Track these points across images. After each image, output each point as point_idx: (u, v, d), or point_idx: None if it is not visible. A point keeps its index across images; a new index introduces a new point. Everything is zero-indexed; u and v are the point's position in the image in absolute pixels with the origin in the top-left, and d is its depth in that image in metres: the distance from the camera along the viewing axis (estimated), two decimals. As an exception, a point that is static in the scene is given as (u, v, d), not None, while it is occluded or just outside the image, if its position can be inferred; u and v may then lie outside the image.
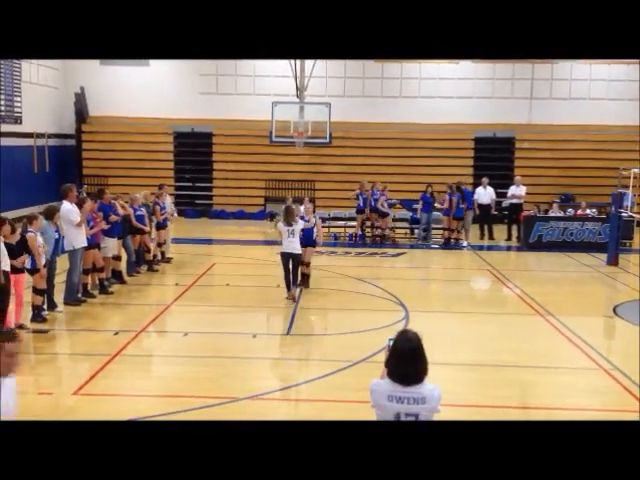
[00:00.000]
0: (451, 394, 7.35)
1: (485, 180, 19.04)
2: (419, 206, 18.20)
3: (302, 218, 11.85)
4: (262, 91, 22.65)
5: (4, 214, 11.49)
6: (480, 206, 18.64)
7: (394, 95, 23.27)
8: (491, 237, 18.84)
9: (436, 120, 22.78)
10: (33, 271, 9.57)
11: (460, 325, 10.43)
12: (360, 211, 18.27)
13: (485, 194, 18.88)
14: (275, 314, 11.05)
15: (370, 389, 3.70)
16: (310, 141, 20.56)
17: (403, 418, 3.56)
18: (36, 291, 9.77)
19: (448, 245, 17.76)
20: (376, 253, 16.85)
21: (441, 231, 18.22)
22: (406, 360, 3.59)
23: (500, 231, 18.98)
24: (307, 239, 11.99)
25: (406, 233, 19.27)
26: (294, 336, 9.81)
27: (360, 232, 18.40)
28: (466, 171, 22.58)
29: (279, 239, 11.93)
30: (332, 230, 19.11)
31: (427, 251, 17.52)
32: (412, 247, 17.93)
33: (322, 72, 21.80)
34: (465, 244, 17.84)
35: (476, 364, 8.43)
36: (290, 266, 11.38)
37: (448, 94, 23.02)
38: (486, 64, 22.86)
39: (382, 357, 7.63)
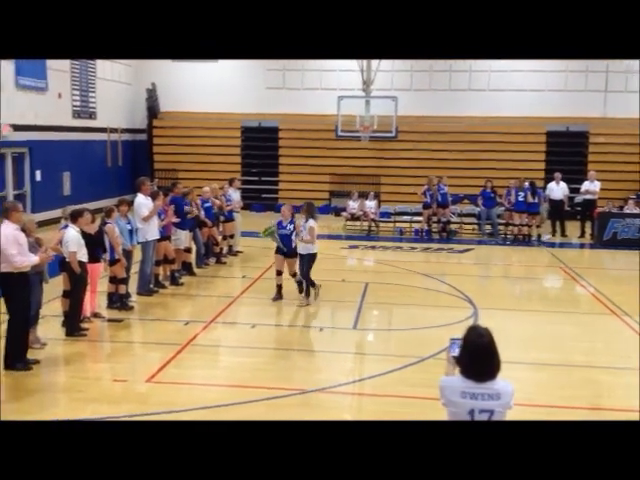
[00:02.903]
0: (521, 393, 7.18)
1: (558, 175, 18.52)
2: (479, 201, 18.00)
3: (279, 224, 10.87)
4: (328, 86, 22.67)
5: (79, 207, 11.87)
6: (552, 202, 18.15)
7: (462, 88, 22.88)
8: (564, 234, 18.31)
9: (506, 113, 22.27)
10: (113, 261, 9.89)
11: (531, 323, 10.18)
12: (427, 206, 18.09)
13: (558, 189, 18.36)
14: (341, 308, 11.06)
15: (440, 386, 3.65)
16: (376, 135, 20.46)
17: (477, 414, 3.52)
18: (119, 280, 10.10)
19: (518, 241, 17.37)
20: (443, 249, 16.64)
21: (510, 227, 17.85)
22: (480, 356, 3.56)
23: (573, 228, 18.42)
24: (280, 247, 10.85)
25: (474, 229, 18.94)
26: (360, 330, 9.80)
27: (426, 227, 18.21)
28: (537, 166, 22.02)
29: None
30: (397, 225, 19.00)
31: (495, 247, 17.18)
32: (480, 243, 17.61)
33: (389, 66, 21.63)
34: (546, 238, 17.44)
35: (547, 364, 8.23)
36: (304, 268, 10.70)
37: (519, 87, 22.45)
38: (559, 56, 22.14)
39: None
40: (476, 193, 18.83)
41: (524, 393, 7.11)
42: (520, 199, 17.39)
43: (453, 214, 18.72)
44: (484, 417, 3.53)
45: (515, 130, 22.23)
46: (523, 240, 17.47)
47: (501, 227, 18.22)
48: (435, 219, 18.34)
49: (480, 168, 21.47)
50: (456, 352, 3.73)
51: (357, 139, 20.69)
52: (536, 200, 17.46)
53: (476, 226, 18.87)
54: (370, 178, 22.61)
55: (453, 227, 18.48)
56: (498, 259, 16.11)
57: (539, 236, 17.60)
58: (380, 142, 21.63)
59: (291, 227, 10.73)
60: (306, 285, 10.77)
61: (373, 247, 16.80)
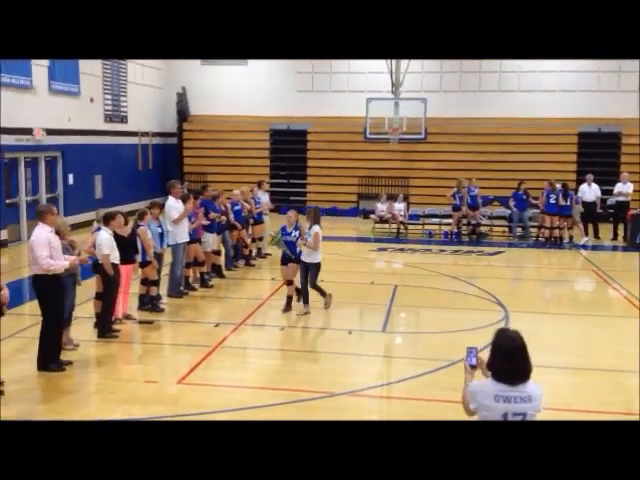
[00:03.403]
0: (554, 397, 7.12)
1: (590, 177, 18.23)
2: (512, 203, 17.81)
3: (283, 229, 10.53)
4: (357, 88, 22.67)
5: (112, 209, 12.02)
6: (584, 204, 17.88)
7: (492, 89, 22.68)
8: (596, 236, 18.02)
9: (537, 114, 22.02)
10: (144, 264, 10.00)
11: (563, 327, 10.05)
12: (456, 209, 17.96)
13: (590, 191, 18.07)
14: (370, 311, 11.03)
15: (472, 391, 3.62)
16: (405, 137, 20.37)
17: (510, 418, 3.52)
18: (150, 282, 10.22)
19: (549, 244, 17.16)
20: (472, 251, 16.50)
21: (542, 229, 17.64)
22: (513, 359, 3.55)
23: (605, 230, 18.12)
24: (287, 255, 10.50)
25: (504, 231, 18.75)
26: (389, 333, 9.76)
27: (456, 230, 18.08)
28: (569, 167, 21.73)
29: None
30: (426, 227, 18.89)
31: (526, 250, 16.98)
32: (510, 245, 17.43)
33: (418, 68, 21.54)
34: (584, 240, 17.24)
35: (580, 367, 8.10)
36: (310, 278, 10.30)
37: (550, 87, 22.20)
38: (591, 55, 21.81)
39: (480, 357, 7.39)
40: (507, 195, 18.64)
41: (560, 397, 7.05)
42: (552, 201, 17.17)
43: (483, 216, 18.56)
44: (517, 420, 3.53)
45: (546, 131, 21.98)
46: (555, 243, 17.23)
47: (533, 229, 18.00)
48: (465, 221, 18.21)
49: (510, 170, 21.27)
50: (473, 361, 3.74)
51: (386, 141, 20.63)
52: (568, 203, 17.21)
53: (506, 228, 18.67)
54: (399, 180, 22.54)
55: (483, 229, 18.32)
56: (529, 262, 15.92)
57: (571, 238, 17.35)
58: (409, 144, 21.55)
59: (296, 233, 10.32)
60: (305, 293, 10.30)
61: (402, 250, 16.73)
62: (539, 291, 13.08)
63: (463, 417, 3.80)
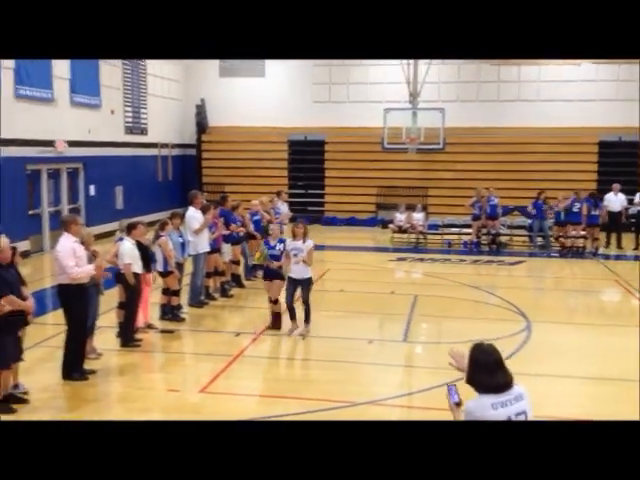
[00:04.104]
0: (578, 407, 7.07)
1: (616, 186, 18.05)
2: (532, 212, 17.71)
3: (280, 242, 9.93)
4: (374, 98, 22.70)
5: (134, 220, 12.13)
6: (610, 213, 17.71)
7: (511, 99, 22.63)
8: (619, 246, 17.85)
9: (556, 124, 21.91)
10: (166, 273, 10.07)
11: (585, 337, 9.95)
12: (476, 218, 17.89)
13: (616, 200, 17.91)
14: (390, 320, 11.00)
15: (468, 411, 3.64)
16: (423, 147, 20.38)
17: (514, 419, 3.58)
18: (171, 292, 10.28)
19: (571, 253, 17.02)
20: (492, 261, 16.40)
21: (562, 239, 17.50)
22: (496, 371, 3.65)
23: (627, 240, 17.94)
24: (272, 269, 9.84)
25: (524, 241, 18.63)
26: (410, 343, 9.73)
27: (476, 239, 18.00)
28: (589, 177, 21.57)
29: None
30: (446, 237, 18.84)
31: (548, 259, 16.86)
32: (531, 255, 17.31)
33: (435, 77, 21.56)
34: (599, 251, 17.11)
35: (604, 378, 8.01)
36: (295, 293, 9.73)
37: (569, 97, 22.10)
38: (609, 65, 21.72)
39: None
40: (526, 205, 18.54)
41: (579, 407, 7.00)
42: (575, 210, 17.03)
43: (503, 226, 18.47)
44: (522, 419, 3.61)
45: (566, 141, 21.86)
46: (577, 252, 17.09)
47: (553, 239, 17.85)
48: (484, 231, 18.12)
49: (530, 179, 21.15)
50: (456, 398, 3.78)
51: (404, 151, 20.64)
52: (597, 212, 17.06)
53: (527, 238, 18.55)
54: (417, 190, 22.50)
55: (503, 239, 18.22)
56: (550, 271, 15.80)
57: (596, 249, 17.14)
58: (427, 154, 21.54)
59: (280, 247, 9.70)
60: (292, 309, 9.68)
61: (421, 259, 16.68)
62: (561, 301, 12.95)
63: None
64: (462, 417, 3.74)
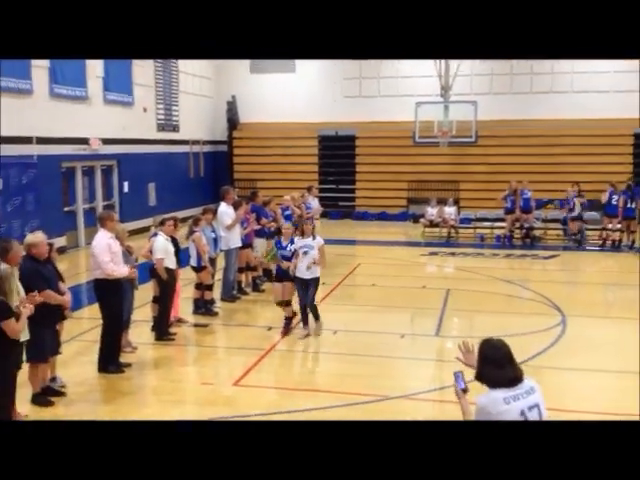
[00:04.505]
0: (613, 402, 6.96)
1: None
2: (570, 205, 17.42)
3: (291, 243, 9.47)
4: (405, 92, 22.56)
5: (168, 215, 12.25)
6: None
7: (544, 90, 22.29)
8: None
9: (590, 115, 21.50)
10: (199, 268, 10.17)
11: (622, 331, 9.75)
12: (509, 212, 17.69)
13: None
14: (422, 315, 10.95)
15: (480, 406, 3.62)
16: (455, 140, 20.20)
17: (528, 413, 3.56)
18: (205, 287, 10.38)
19: (608, 247, 16.73)
20: (526, 255, 16.20)
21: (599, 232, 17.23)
22: (506, 366, 3.65)
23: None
24: (283, 270, 9.46)
25: (558, 235, 18.36)
26: (443, 337, 9.67)
27: (509, 233, 17.80)
28: (624, 169, 21.15)
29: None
30: (478, 231, 18.66)
31: (582, 253, 16.60)
32: (565, 249, 17.06)
33: (468, 70, 21.33)
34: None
35: (637, 372, 7.85)
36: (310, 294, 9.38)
37: (603, 88, 21.67)
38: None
39: (537, 362, 7.29)
40: (560, 198, 18.27)
41: (614, 401, 6.89)
42: (614, 202, 16.73)
43: (537, 219, 18.23)
44: (535, 413, 3.59)
45: (600, 132, 21.45)
46: (613, 246, 16.79)
47: (588, 232, 17.56)
48: (517, 225, 17.91)
49: (564, 172, 20.82)
50: (463, 385, 3.81)
51: (435, 145, 20.49)
52: (633, 205, 16.73)
53: (561, 231, 18.29)
54: (449, 184, 22.32)
55: (537, 233, 17.98)
56: (586, 265, 15.56)
57: (633, 242, 16.82)
58: (459, 147, 21.33)
59: (292, 247, 9.31)
60: (304, 313, 9.42)
61: (453, 254, 16.56)
62: (596, 295, 12.75)
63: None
64: (468, 404, 3.77)
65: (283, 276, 9.43)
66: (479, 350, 3.76)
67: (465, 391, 3.81)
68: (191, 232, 10.11)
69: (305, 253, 9.14)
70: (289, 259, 9.29)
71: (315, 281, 9.29)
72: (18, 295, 5.98)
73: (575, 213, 17.15)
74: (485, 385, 3.67)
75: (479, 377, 3.70)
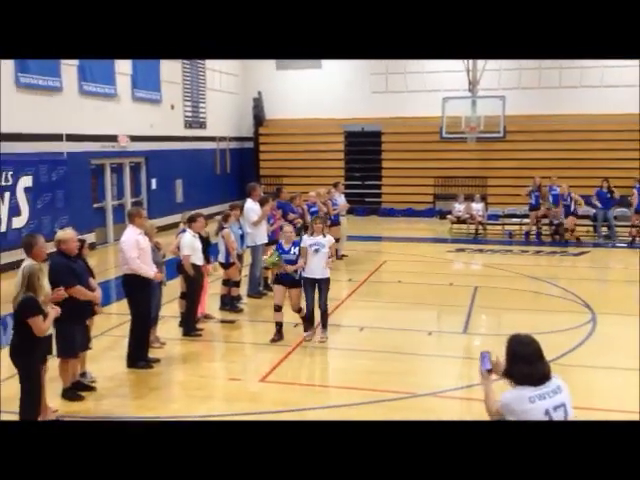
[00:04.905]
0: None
1: None
2: (597, 203, 17.17)
3: (293, 244, 9.03)
4: (432, 87, 22.39)
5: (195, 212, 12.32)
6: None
7: (574, 85, 21.96)
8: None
9: (620, 110, 21.11)
10: (228, 265, 10.22)
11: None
12: (533, 208, 17.47)
13: None
14: (450, 312, 10.88)
15: (504, 402, 3.60)
16: (482, 136, 19.99)
17: (553, 413, 3.52)
18: (233, 283, 10.43)
19: (638, 243, 16.44)
20: (555, 252, 16.00)
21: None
22: (536, 362, 3.61)
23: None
24: (288, 275, 8.92)
25: (588, 231, 18.09)
26: (470, 335, 9.60)
27: (536, 230, 17.58)
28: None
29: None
30: (506, 228, 18.48)
31: (613, 250, 16.34)
32: (595, 246, 16.81)
33: (496, 65, 21.09)
34: None
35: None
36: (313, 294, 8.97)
37: (633, 82, 21.23)
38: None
39: (567, 360, 7.18)
40: (590, 194, 18.00)
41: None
42: None
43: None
44: (560, 413, 3.54)
45: (630, 127, 21.06)
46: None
47: (619, 229, 17.28)
48: (546, 221, 17.68)
49: (593, 168, 20.50)
50: (488, 366, 3.80)
51: (462, 141, 20.31)
52: None
53: (591, 228, 18.02)
54: (476, 180, 22.13)
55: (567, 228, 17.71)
56: (616, 262, 15.31)
57: None
58: (487, 143, 21.12)
59: (296, 250, 8.82)
60: (310, 314, 9.04)
61: (480, 250, 16.42)
62: (627, 292, 12.52)
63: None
64: (491, 386, 3.76)
65: (288, 282, 8.91)
66: (507, 347, 3.70)
67: (490, 372, 3.78)
68: (220, 228, 10.17)
69: (316, 251, 8.77)
70: (294, 263, 8.82)
71: (326, 282, 8.90)
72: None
73: (572, 209, 16.96)
74: (512, 382, 3.62)
75: (509, 375, 3.65)
